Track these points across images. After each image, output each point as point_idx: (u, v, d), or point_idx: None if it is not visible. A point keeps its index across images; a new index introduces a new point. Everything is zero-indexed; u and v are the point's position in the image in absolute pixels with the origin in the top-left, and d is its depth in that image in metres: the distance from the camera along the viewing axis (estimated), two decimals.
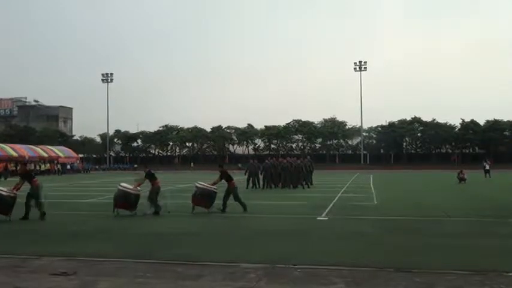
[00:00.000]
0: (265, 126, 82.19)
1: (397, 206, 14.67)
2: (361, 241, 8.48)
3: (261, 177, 23.10)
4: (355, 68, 76.86)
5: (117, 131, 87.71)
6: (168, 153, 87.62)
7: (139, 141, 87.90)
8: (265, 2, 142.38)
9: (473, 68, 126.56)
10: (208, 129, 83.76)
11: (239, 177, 31.93)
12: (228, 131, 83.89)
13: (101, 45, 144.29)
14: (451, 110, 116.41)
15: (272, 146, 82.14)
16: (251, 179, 22.98)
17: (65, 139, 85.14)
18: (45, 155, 61.15)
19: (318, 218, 11.58)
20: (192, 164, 75.85)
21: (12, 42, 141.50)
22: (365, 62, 76.32)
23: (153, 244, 8.33)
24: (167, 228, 10.19)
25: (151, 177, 12.70)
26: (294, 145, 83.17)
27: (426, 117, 78.18)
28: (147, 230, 9.92)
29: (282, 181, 22.89)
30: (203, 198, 12.62)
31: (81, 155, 76.10)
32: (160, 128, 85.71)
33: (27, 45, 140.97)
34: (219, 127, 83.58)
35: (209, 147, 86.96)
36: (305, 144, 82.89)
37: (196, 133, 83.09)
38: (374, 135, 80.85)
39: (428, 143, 79.00)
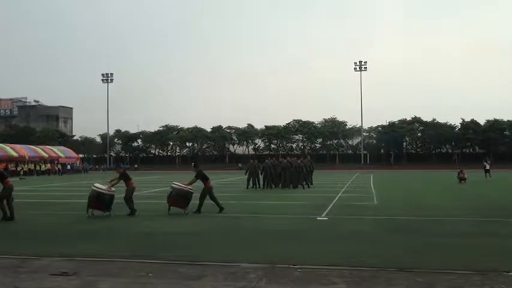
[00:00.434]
0: (265, 126, 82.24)
1: (398, 206, 14.67)
2: (361, 241, 8.47)
3: (261, 177, 23.11)
4: (355, 68, 76.91)
5: (118, 131, 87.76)
6: (169, 153, 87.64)
7: (139, 141, 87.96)
8: (265, 2, 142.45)
9: (473, 68, 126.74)
10: (209, 129, 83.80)
11: (239, 177, 32.04)
12: (228, 131, 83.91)
13: (101, 45, 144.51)
14: (451, 110, 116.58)
15: (272, 146, 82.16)
16: (251, 179, 22.98)
17: (65, 139, 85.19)
18: (46, 155, 61.18)
19: (318, 218, 11.58)
20: (193, 164, 75.84)
21: (12, 42, 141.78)
22: (365, 62, 76.39)
23: (154, 244, 8.33)
24: (167, 228, 10.19)
25: (125, 177, 12.59)
26: (294, 145, 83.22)
27: (426, 117, 78.33)
28: (148, 230, 9.92)
29: (282, 181, 22.88)
30: (179, 198, 12.49)
31: (81, 155, 76.14)
32: (161, 128, 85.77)
33: (27, 45, 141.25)
34: (219, 127, 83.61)
35: (209, 147, 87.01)
36: (305, 144, 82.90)
37: (196, 133, 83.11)
38: (374, 135, 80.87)
39: (429, 143, 79.05)
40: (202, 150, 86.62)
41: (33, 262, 6.78)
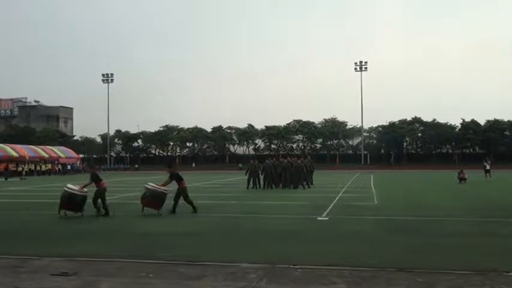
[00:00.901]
0: (266, 126, 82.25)
1: (398, 206, 14.67)
2: (361, 241, 8.47)
3: (261, 177, 23.11)
4: (355, 68, 76.96)
5: (118, 131, 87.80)
6: (169, 154, 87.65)
7: (139, 141, 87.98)
8: (265, 2, 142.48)
9: (473, 68, 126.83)
10: (209, 130, 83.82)
11: (240, 178, 32.02)
12: (229, 131, 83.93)
13: (101, 45, 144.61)
14: (451, 110, 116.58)
15: (272, 146, 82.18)
16: (252, 179, 22.98)
17: (65, 139, 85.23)
18: (46, 155, 61.18)
19: (319, 218, 11.58)
20: (193, 164, 76.06)
21: (12, 42, 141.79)
22: (365, 62, 76.42)
23: (154, 244, 8.32)
24: (167, 228, 10.19)
25: (96, 178, 12.54)
26: (294, 145, 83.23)
27: (426, 117, 78.37)
28: (148, 230, 9.92)
29: (282, 181, 22.87)
30: (153, 199, 12.39)
31: (81, 155, 76.16)
32: (161, 128, 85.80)
33: (27, 45, 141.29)
34: (220, 127, 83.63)
35: (210, 148, 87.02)
36: (305, 144, 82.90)
37: (196, 133, 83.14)
38: (374, 135, 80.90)
39: (429, 143, 79.07)
40: (203, 151, 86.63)
41: (33, 262, 6.78)
